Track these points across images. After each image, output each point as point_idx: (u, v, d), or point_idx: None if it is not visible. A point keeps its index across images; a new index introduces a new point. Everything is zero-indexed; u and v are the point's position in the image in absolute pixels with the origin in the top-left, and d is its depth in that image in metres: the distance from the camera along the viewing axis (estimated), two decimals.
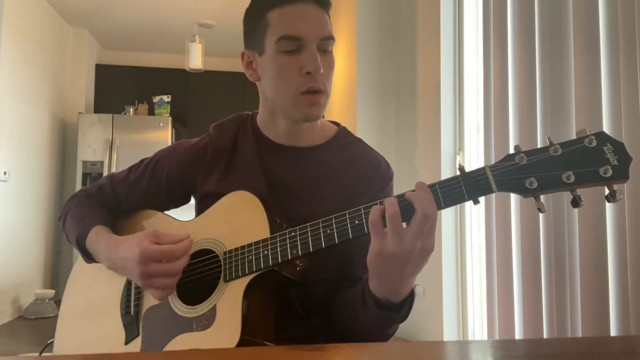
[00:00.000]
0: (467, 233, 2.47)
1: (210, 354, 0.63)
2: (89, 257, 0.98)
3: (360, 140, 1.05)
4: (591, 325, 1.43)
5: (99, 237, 0.94)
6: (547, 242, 1.69)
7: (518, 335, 1.81)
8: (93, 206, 1.03)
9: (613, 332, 1.40)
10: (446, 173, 2.51)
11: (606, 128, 1.46)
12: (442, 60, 2.61)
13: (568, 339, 1.24)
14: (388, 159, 1.05)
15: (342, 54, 3.77)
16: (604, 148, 0.64)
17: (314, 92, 0.88)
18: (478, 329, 2.38)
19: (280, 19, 0.87)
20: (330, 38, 0.89)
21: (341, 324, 0.91)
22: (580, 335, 1.50)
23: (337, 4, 3.96)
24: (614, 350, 0.66)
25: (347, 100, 3.57)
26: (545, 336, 1.66)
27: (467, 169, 0.71)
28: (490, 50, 2.11)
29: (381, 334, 0.85)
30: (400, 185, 1.08)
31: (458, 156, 2.51)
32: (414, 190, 0.72)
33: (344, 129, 1.05)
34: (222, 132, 1.02)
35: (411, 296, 0.80)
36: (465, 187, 0.70)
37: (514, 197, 1.90)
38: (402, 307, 0.80)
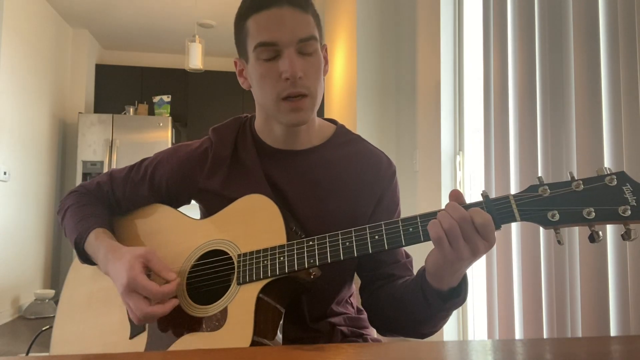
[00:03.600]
0: None
1: (211, 354, 0.63)
2: (85, 259, 0.98)
3: (359, 137, 1.04)
4: (591, 325, 1.43)
5: (98, 242, 0.94)
6: (547, 242, 1.69)
7: (518, 335, 1.81)
8: (93, 205, 1.03)
9: (613, 332, 1.40)
10: (446, 173, 2.50)
11: (606, 128, 1.46)
12: (442, 60, 2.61)
13: (568, 339, 1.24)
14: None
15: (342, 54, 3.77)
16: (624, 188, 0.66)
17: (296, 97, 0.87)
18: (478, 329, 2.38)
19: (256, 26, 0.87)
20: (310, 38, 0.87)
21: (393, 320, 0.92)
22: (580, 335, 1.50)
23: (337, 4, 3.96)
24: (614, 350, 0.66)
25: (347, 100, 3.57)
26: (545, 336, 1.66)
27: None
28: (490, 50, 2.11)
29: (445, 318, 0.87)
30: (400, 185, 1.07)
31: (458, 156, 2.51)
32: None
33: (342, 127, 1.05)
34: (221, 137, 1.01)
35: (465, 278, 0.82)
36: (488, 213, 0.71)
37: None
38: (460, 293, 0.82)
